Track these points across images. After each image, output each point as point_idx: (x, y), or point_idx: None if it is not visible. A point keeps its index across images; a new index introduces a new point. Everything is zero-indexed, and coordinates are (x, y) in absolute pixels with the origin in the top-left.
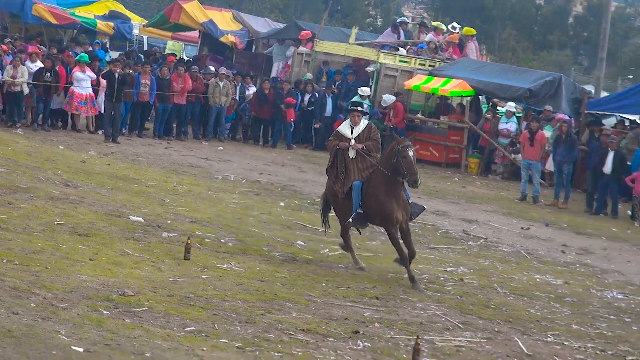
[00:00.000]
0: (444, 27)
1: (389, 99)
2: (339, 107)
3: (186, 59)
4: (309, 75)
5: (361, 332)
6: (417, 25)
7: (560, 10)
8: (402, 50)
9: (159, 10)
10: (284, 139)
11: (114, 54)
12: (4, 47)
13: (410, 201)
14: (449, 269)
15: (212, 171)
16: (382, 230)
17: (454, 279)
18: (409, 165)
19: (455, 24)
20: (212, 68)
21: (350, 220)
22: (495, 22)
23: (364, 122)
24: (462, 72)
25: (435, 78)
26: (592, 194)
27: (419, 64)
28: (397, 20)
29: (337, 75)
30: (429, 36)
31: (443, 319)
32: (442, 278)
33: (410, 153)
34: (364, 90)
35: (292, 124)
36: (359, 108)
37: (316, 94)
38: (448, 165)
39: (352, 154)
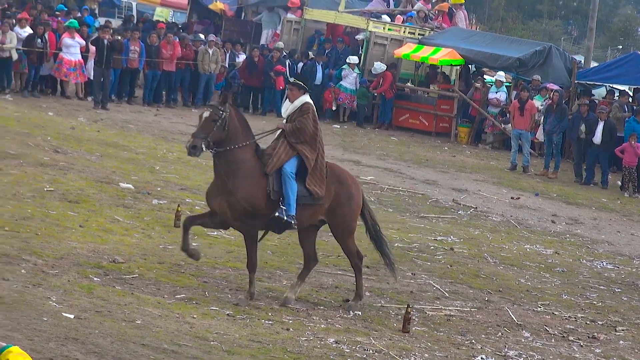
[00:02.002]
0: None
1: (379, 67)
2: (328, 75)
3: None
4: (280, 44)
5: (351, 300)
6: None
7: None
8: (388, 18)
9: None
10: (274, 107)
11: (103, 20)
12: None
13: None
14: (439, 238)
15: None
16: (372, 198)
17: (444, 248)
18: None
19: None
20: (201, 35)
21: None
22: None
23: (300, 100)
24: (451, 41)
25: (425, 47)
26: (580, 164)
27: (409, 32)
28: None
29: (326, 43)
30: (418, 4)
31: (434, 288)
32: (432, 247)
33: (205, 114)
34: (352, 59)
35: (283, 92)
36: (294, 81)
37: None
38: (438, 135)
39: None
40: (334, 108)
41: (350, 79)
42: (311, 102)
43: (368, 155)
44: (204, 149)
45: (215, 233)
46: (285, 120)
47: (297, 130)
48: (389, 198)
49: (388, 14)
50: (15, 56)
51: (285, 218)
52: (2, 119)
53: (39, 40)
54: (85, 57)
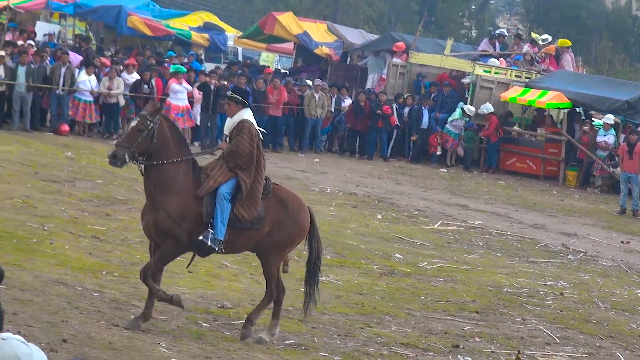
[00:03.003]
0: (540, 38)
1: (486, 108)
2: (435, 119)
3: (282, 70)
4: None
5: (461, 346)
6: (513, 37)
7: None
8: (495, 61)
9: (253, 21)
10: (380, 151)
11: (209, 66)
12: (104, 60)
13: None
14: (548, 282)
15: (308, 183)
16: (480, 243)
17: (554, 293)
18: None
19: (546, 36)
20: (308, 81)
21: None
22: (591, 33)
23: (238, 116)
24: (558, 83)
25: (532, 90)
26: None
27: (515, 75)
28: (495, 32)
29: (432, 87)
30: (525, 47)
31: (544, 334)
32: (541, 292)
33: (132, 124)
34: (470, 110)
35: (394, 133)
36: (231, 95)
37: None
38: (546, 178)
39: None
40: (439, 152)
41: (457, 124)
42: (249, 118)
43: (476, 199)
44: (127, 159)
45: (324, 278)
46: (227, 138)
47: (232, 154)
48: (498, 242)
49: (494, 57)
50: (122, 102)
51: (208, 243)
52: None
53: (146, 86)
54: (191, 102)
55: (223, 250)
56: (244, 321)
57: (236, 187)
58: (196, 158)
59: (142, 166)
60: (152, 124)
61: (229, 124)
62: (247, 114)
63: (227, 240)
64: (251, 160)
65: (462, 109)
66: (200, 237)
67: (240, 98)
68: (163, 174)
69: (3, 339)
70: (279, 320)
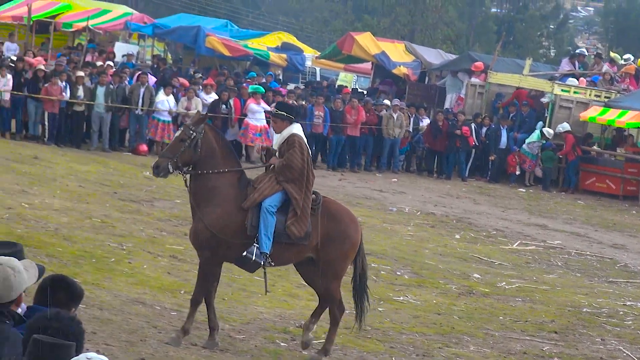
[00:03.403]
0: (620, 58)
1: (563, 127)
2: (513, 138)
3: (360, 90)
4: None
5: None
6: (593, 57)
7: None
8: (574, 81)
9: (331, 41)
10: (458, 171)
11: (290, 86)
12: (182, 80)
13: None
14: (628, 302)
15: (386, 203)
16: (558, 263)
17: (634, 314)
18: None
19: (628, 55)
20: (386, 101)
21: None
22: None
23: (287, 131)
24: (638, 103)
25: (612, 110)
26: None
27: (595, 95)
28: (575, 51)
29: (511, 107)
30: (604, 67)
31: (624, 354)
32: (621, 312)
33: (176, 134)
34: (549, 132)
35: (473, 153)
36: (276, 112)
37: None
38: (625, 198)
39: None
40: (517, 172)
41: (533, 145)
42: (299, 132)
43: (554, 219)
44: (170, 169)
45: (402, 298)
46: (277, 154)
47: (284, 168)
48: (577, 263)
49: (575, 77)
50: None
51: (253, 258)
52: None
53: (224, 106)
54: (269, 122)
55: (272, 264)
56: (322, 341)
57: (282, 201)
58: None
59: (187, 176)
60: (194, 133)
61: (279, 139)
62: (296, 129)
63: (273, 254)
64: (302, 175)
65: (541, 131)
66: (245, 253)
67: (285, 114)
68: (206, 184)
69: (88, 358)
70: (317, 320)
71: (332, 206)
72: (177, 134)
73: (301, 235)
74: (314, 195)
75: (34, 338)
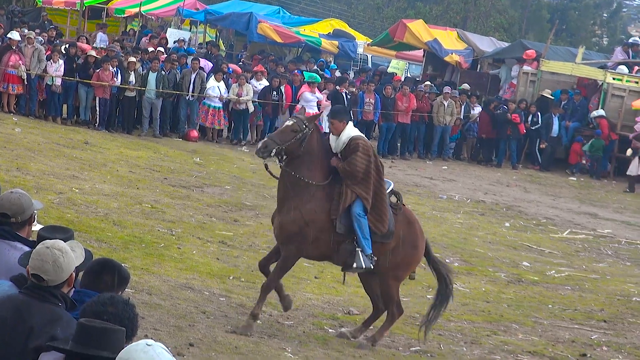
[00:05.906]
0: None
1: (597, 112)
2: (565, 127)
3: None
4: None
5: (589, 355)
6: None
7: None
8: (626, 69)
9: (383, 29)
10: (509, 159)
11: (338, 74)
12: (234, 66)
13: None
14: None
15: (436, 190)
16: (608, 251)
17: None
18: None
19: None
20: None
21: None
22: None
23: (346, 135)
24: None
25: None
26: None
27: None
28: (629, 40)
29: (563, 94)
30: None
31: None
32: None
33: (288, 122)
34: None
35: (521, 142)
36: (333, 115)
37: (539, 113)
38: None
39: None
40: (583, 161)
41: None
42: (358, 133)
43: (605, 208)
44: (272, 154)
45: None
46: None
47: (347, 173)
48: (627, 252)
49: (626, 65)
50: (251, 108)
51: (364, 267)
52: (239, 170)
53: (274, 93)
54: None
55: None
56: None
57: (364, 204)
58: None
59: (282, 164)
60: (307, 129)
61: (339, 143)
62: (353, 130)
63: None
64: (368, 175)
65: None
66: (354, 265)
67: (339, 115)
68: (297, 182)
69: (148, 344)
70: (367, 329)
71: (410, 214)
72: (289, 123)
73: (385, 230)
74: (395, 197)
75: (81, 322)
